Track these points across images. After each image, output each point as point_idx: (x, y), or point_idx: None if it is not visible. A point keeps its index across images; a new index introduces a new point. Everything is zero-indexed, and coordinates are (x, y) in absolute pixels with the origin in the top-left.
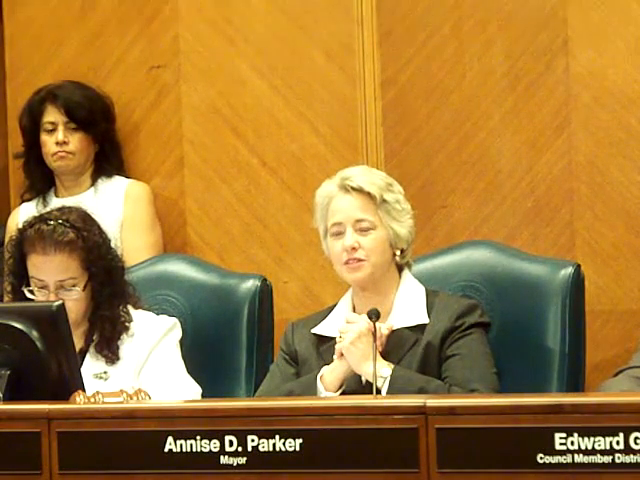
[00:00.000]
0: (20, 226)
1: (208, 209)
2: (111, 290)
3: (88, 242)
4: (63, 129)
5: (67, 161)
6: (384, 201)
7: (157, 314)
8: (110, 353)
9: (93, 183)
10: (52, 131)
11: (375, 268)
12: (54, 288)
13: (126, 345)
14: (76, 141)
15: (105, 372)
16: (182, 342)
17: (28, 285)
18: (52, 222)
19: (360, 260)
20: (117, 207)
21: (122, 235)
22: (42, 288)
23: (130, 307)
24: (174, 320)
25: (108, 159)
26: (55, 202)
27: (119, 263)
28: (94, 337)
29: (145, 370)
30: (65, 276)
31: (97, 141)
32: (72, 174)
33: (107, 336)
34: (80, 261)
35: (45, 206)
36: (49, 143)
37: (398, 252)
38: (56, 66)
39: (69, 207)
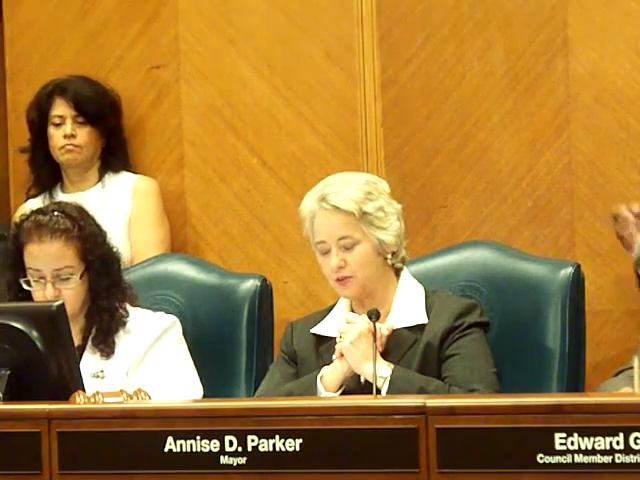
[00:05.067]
0: (17, 220)
1: (208, 209)
2: (109, 281)
3: (84, 231)
4: (71, 122)
5: (74, 154)
6: (364, 213)
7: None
8: (106, 347)
9: (100, 178)
10: (60, 125)
11: (365, 282)
12: (51, 277)
13: (122, 341)
14: (84, 135)
15: (102, 371)
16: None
17: (25, 277)
18: (48, 213)
19: (348, 277)
20: (125, 202)
21: (130, 230)
22: (39, 279)
23: (127, 305)
24: (173, 318)
25: (115, 154)
26: (61, 198)
27: (116, 256)
28: (92, 332)
29: (142, 369)
30: (61, 264)
31: (104, 136)
32: (79, 168)
33: (105, 328)
34: (76, 250)
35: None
36: (56, 136)
37: (389, 255)
38: (56, 66)
39: (65, 202)
